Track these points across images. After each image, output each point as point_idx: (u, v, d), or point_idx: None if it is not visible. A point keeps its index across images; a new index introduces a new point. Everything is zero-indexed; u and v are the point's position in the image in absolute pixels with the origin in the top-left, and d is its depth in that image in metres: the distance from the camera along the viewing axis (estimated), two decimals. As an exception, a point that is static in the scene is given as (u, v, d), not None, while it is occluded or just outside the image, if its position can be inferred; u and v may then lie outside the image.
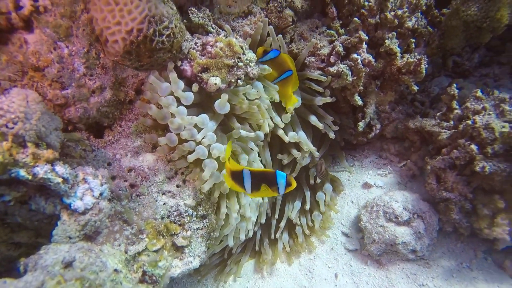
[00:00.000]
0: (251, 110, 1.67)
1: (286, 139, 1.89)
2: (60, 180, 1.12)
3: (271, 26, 1.87)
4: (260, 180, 1.38)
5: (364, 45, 2.00)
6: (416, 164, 2.31)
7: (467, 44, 2.18)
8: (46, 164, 1.08)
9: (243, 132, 1.64)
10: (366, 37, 1.98)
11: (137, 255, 1.35)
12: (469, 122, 1.80)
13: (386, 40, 1.98)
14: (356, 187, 2.37)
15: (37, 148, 1.09)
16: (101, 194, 1.24)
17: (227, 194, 1.67)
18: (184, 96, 1.50)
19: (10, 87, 1.32)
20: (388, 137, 2.43)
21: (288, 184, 1.38)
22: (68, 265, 1.02)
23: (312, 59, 2.09)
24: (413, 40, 2.06)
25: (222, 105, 1.54)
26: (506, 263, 1.86)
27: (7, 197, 1.12)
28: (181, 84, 1.53)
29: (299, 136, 1.96)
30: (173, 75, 1.49)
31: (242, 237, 1.82)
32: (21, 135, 1.05)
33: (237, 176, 1.38)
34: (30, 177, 1.06)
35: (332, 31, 2.15)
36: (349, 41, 2.02)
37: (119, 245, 1.33)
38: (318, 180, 2.17)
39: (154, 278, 1.24)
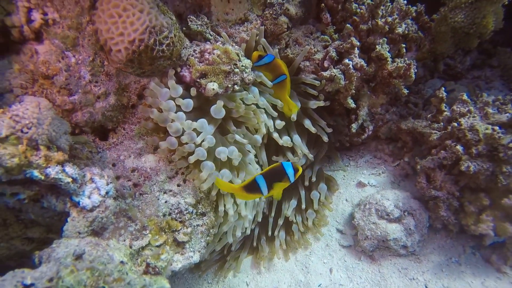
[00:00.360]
0: (247, 115, 1.77)
1: (280, 142, 1.98)
2: (70, 180, 1.22)
3: (264, 39, 1.97)
4: (272, 177, 1.49)
5: (356, 50, 2.09)
6: (409, 164, 2.40)
7: (457, 49, 2.27)
8: (57, 165, 1.18)
9: (237, 137, 1.74)
10: (358, 43, 2.07)
11: (140, 249, 1.44)
12: (455, 124, 1.88)
13: (377, 46, 2.07)
14: (351, 186, 2.46)
15: (49, 151, 1.19)
16: (107, 193, 1.34)
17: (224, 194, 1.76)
18: (184, 103, 1.60)
19: (22, 94, 1.42)
20: (382, 138, 2.51)
21: (295, 170, 1.49)
22: (78, 257, 1.12)
23: (307, 63, 2.19)
24: (404, 45, 2.15)
25: (217, 110, 1.64)
26: (493, 258, 1.95)
27: (21, 195, 1.23)
28: (180, 89, 1.63)
29: (294, 139, 2.05)
30: (171, 82, 1.59)
31: (238, 234, 1.92)
32: (34, 139, 1.15)
33: (251, 187, 1.48)
34: (43, 177, 1.17)
35: (326, 37, 2.24)
36: (342, 46, 2.11)
37: (124, 240, 1.43)
38: (314, 179, 2.26)
39: (157, 269, 1.34)
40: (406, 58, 2.14)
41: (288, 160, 2.11)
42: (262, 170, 2.08)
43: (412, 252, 2.11)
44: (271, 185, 1.48)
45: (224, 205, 1.76)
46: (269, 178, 1.48)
